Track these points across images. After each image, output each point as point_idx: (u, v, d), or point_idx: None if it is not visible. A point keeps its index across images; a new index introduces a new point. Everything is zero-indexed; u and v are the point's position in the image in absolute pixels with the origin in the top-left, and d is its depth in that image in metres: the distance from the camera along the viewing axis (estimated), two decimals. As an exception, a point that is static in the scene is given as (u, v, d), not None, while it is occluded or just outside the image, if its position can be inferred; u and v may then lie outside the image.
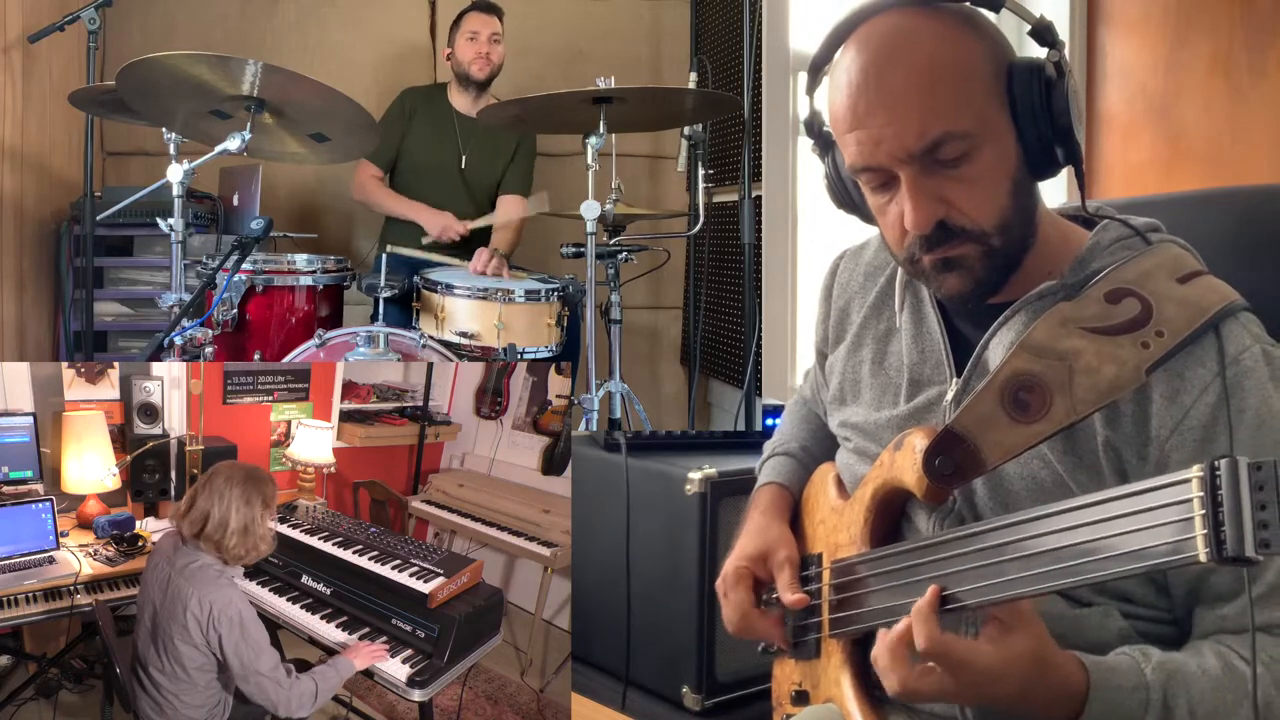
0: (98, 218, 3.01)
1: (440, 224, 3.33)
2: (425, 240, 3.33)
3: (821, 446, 1.34)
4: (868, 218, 1.10)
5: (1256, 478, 0.70)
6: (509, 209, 3.46)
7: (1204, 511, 0.72)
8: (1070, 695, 0.87)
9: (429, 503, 2.72)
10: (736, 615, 1.19)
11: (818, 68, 1.07)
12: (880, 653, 0.91)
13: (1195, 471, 0.73)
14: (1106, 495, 0.81)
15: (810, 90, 1.10)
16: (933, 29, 0.97)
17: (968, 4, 1.00)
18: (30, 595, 1.85)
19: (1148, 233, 1.04)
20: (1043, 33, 0.98)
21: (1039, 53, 0.99)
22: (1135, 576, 0.93)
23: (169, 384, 2.39)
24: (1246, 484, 0.70)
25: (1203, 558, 0.72)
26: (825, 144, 1.12)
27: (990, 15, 1.01)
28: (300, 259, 2.88)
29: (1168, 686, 0.87)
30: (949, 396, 1.07)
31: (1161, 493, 0.76)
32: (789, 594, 1.14)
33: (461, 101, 3.50)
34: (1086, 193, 1.03)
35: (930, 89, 0.95)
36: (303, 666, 1.74)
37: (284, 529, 2.18)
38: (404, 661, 1.78)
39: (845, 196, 1.12)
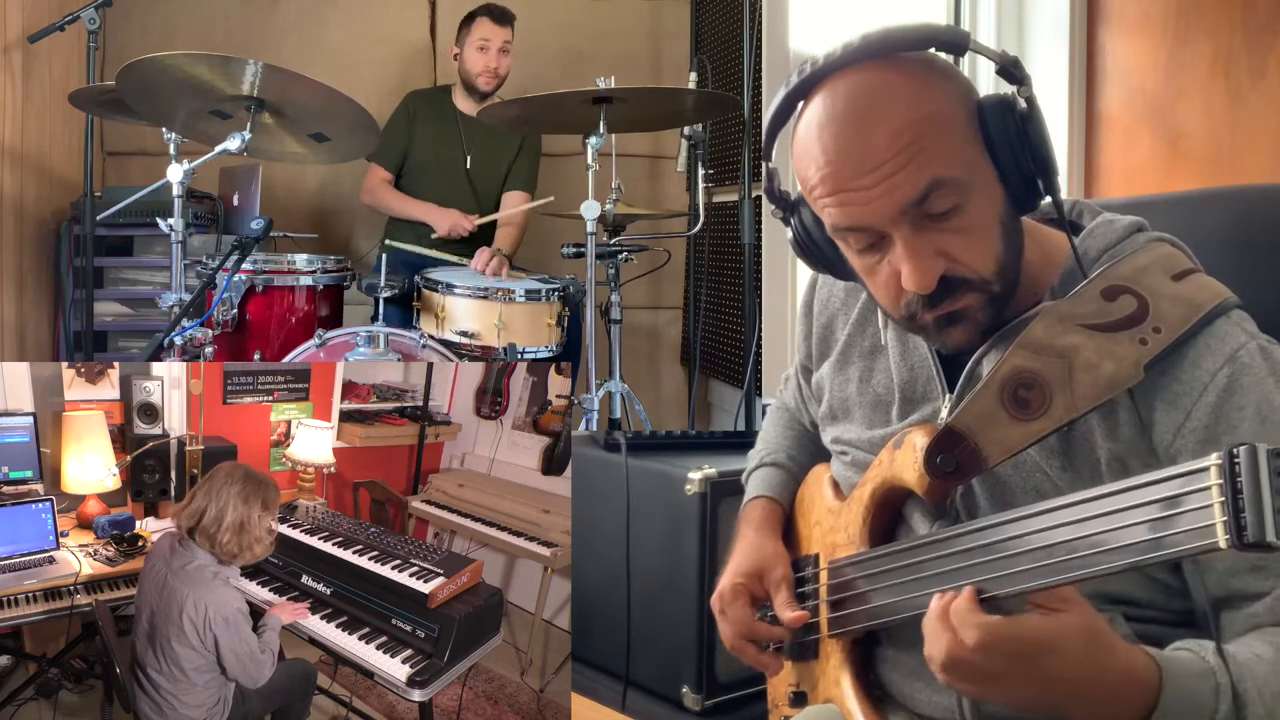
0: (98, 218, 3.01)
1: (449, 221, 3.33)
2: (434, 237, 3.34)
3: (807, 454, 1.34)
4: (843, 275, 1.07)
5: (1276, 464, 0.71)
6: (514, 203, 3.47)
7: (1223, 499, 0.72)
8: (1143, 683, 0.84)
9: (429, 503, 2.72)
10: (743, 630, 1.18)
11: (774, 131, 1.03)
12: (929, 625, 0.86)
13: (1214, 459, 0.73)
14: (1119, 486, 0.80)
15: (767, 155, 1.06)
16: (902, 82, 0.95)
17: (929, 50, 0.97)
18: (30, 595, 1.86)
19: (1135, 233, 1.03)
20: (1010, 70, 0.96)
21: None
22: (1148, 569, 0.92)
23: (169, 384, 2.39)
24: (1266, 470, 0.70)
25: (1222, 544, 0.72)
26: (788, 206, 1.08)
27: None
28: (300, 259, 2.89)
29: (1233, 672, 0.85)
30: (944, 414, 1.06)
31: (1176, 482, 0.76)
32: (788, 612, 1.14)
33: (466, 104, 3.50)
34: (1062, 211, 1.00)
35: (914, 142, 0.92)
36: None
37: (284, 529, 2.18)
38: (404, 661, 1.77)
39: (819, 255, 1.07)
